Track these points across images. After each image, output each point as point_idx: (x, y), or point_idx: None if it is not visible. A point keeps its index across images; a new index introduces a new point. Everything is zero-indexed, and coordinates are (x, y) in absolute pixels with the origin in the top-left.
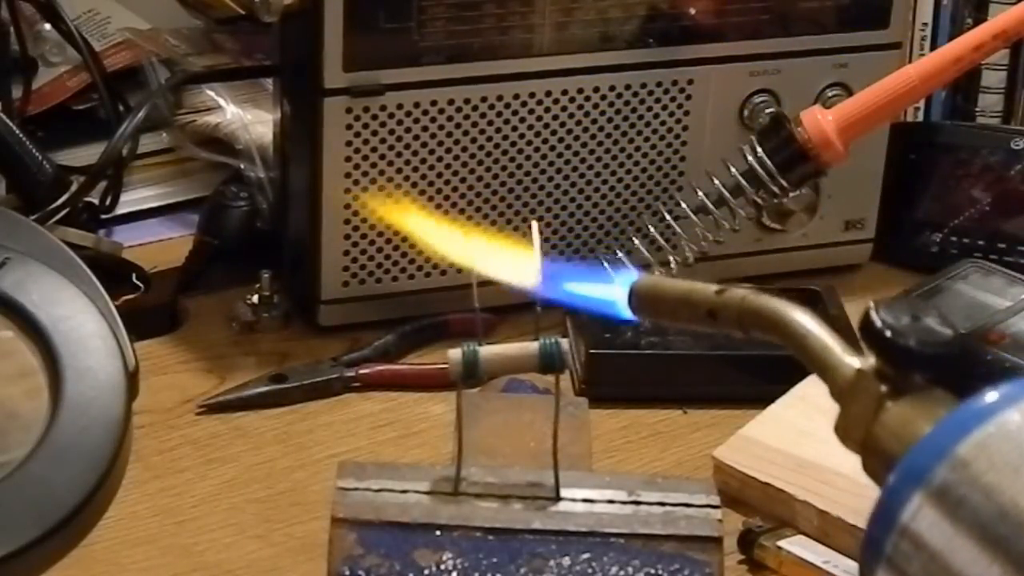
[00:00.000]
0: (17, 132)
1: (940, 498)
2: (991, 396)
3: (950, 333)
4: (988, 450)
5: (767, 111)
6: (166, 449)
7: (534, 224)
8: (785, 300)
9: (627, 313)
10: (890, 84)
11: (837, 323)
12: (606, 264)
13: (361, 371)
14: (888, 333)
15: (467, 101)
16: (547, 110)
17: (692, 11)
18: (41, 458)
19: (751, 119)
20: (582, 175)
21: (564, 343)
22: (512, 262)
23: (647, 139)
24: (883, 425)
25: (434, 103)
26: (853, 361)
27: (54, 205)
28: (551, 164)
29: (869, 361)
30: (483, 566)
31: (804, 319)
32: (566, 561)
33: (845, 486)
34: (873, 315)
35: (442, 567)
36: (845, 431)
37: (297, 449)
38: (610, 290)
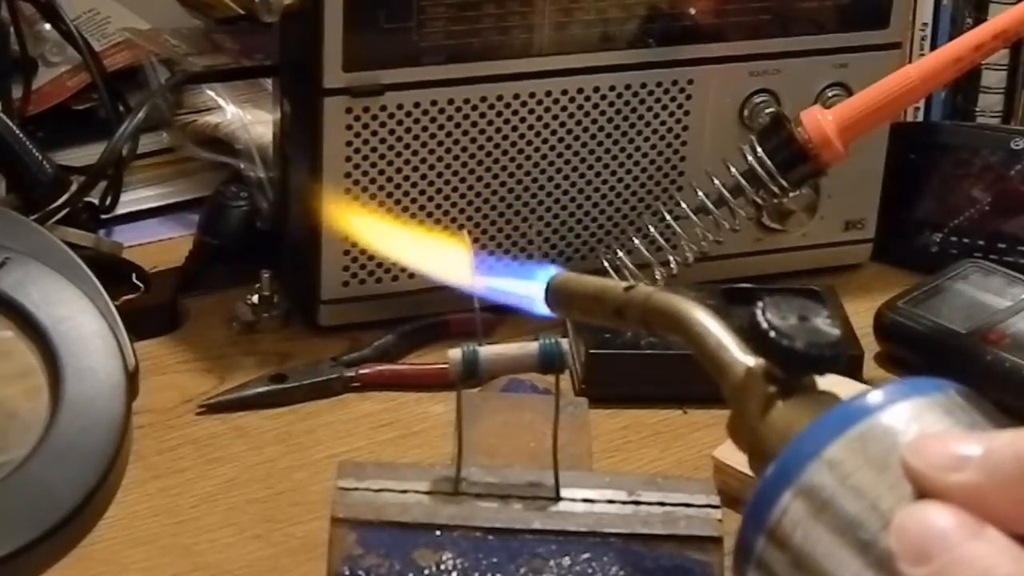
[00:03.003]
0: (17, 132)
1: (808, 498)
2: (872, 397)
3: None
4: (857, 451)
5: (767, 111)
6: (166, 449)
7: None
8: (689, 299)
9: (544, 310)
10: (890, 84)
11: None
12: (528, 260)
13: (361, 371)
14: (772, 334)
15: (467, 101)
16: (547, 110)
17: (692, 11)
18: (41, 458)
19: (751, 119)
20: (582, 175)
21: (564, 343)
22: (448, 261)
23: (647, 139)
24: (769, 426)
25: (434, 103)
26: (746, 360)
27: (54, 205)
28: (551, 164)
29: (760, 361)
30: (483, 566)
31: (704, 318)
32: (566, 561)
33: None
34: (759, 316)
35: (442, 567)
36: (735, 431)
37: (297, 449)
38: (530, 286)
